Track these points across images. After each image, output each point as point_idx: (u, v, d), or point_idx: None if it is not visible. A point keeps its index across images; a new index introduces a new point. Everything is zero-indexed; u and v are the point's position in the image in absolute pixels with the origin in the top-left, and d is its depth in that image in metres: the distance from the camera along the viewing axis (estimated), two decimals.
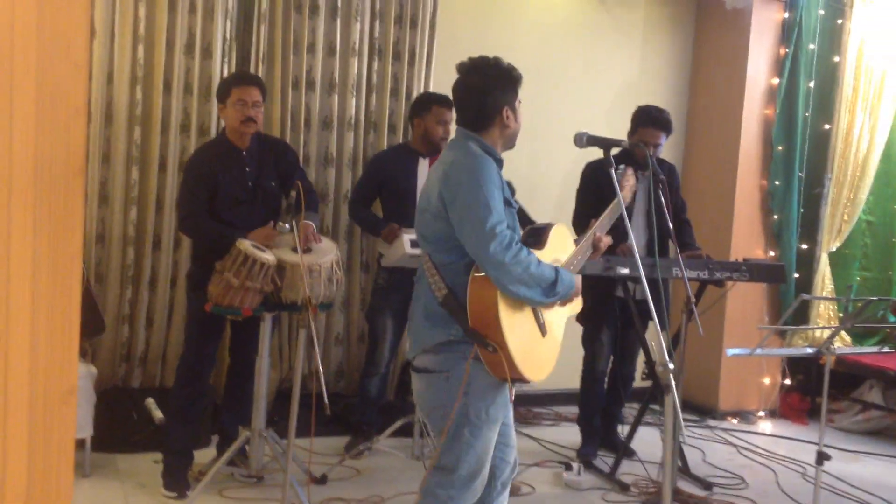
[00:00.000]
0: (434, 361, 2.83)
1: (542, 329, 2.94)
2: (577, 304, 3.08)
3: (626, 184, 3.37)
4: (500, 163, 2.90)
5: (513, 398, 2.90)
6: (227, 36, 4.98)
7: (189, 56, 4.91)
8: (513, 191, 2.96)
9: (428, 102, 4.74)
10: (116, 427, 4.58)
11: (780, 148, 6.02)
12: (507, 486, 3.13)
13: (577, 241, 3.17)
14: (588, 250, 3.15)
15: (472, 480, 2.87)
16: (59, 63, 1.95)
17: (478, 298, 2.75)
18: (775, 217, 6.09)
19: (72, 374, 2.11)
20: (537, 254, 2.83)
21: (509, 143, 2.99)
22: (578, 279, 2.94)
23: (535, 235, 2.98)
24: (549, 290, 2.79)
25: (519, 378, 2.80)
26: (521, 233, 2.98)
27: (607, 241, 3.18)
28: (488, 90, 2.89)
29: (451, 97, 4.57)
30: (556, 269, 2.82)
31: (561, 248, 3.07)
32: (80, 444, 4.20)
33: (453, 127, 4.65)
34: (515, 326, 2.78)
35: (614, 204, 3.22)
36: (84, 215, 2.06)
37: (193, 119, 4.94)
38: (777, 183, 6.04)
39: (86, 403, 4.17)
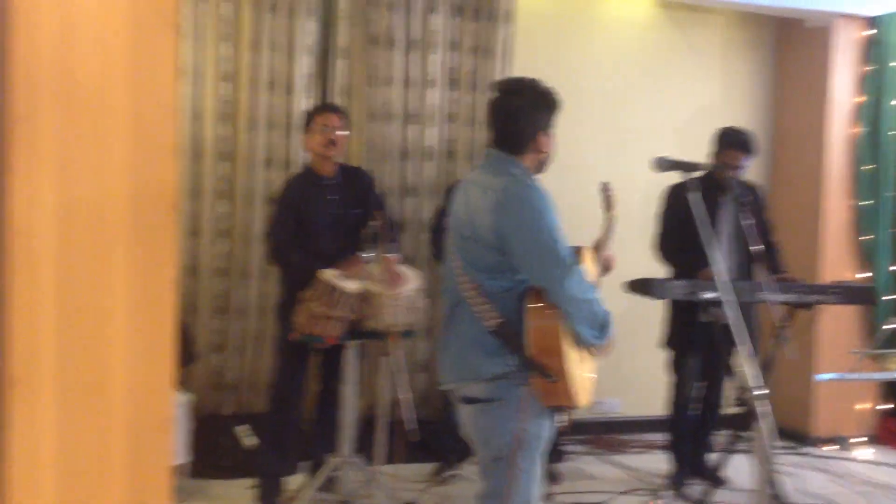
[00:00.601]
0: (487, 390, 2.79)
1: (582, 355, 2.93)
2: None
3: (611, 200, 3.34)
4: (540, 183, 2.86)
5: (570, 424, 2.88)
6: (308, 72, 5.12)
7: (272, 93, 5.05)
8: None
9: None
10: (210, 453, 4.70)
11: (867, 167, 5.87)
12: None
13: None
14: (600, 271, 3.13)
15: None
16: (151, 104, 2.05)
17: (539, 328, 2.71)
18: (865, 238, 5.92)
19: (168, 403, 2.18)
20: None
21: (540, 169, 2.92)
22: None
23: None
24: (601, 332, 2.78)
25: (572, 405, 2.79)
26: None
27: (613, 258, 3.16)
28: (524, 113, 2.83)
29: None
30: (607, 312, 2.80)
31: (589, 272, 3.05)
32: (176, 470, 4.31)
33: None
34: (570, 354, 2.77)
35: (607, 221, 3.20)
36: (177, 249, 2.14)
37: (277, 153, 5.08)
38: (865, 203, 5.88)
39: (182, 430, 4.30)
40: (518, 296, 2.77)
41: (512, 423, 2.76)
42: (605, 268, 3.16)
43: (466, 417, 2.90)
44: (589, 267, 3.03)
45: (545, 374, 2.70)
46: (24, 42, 1.88)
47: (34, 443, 2.06)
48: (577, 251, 2.98)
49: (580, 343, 2.80)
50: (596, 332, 2.76)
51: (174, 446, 4.14)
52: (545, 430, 2.86)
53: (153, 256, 2.07)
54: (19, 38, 1.87)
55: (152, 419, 2.18)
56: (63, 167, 1.95)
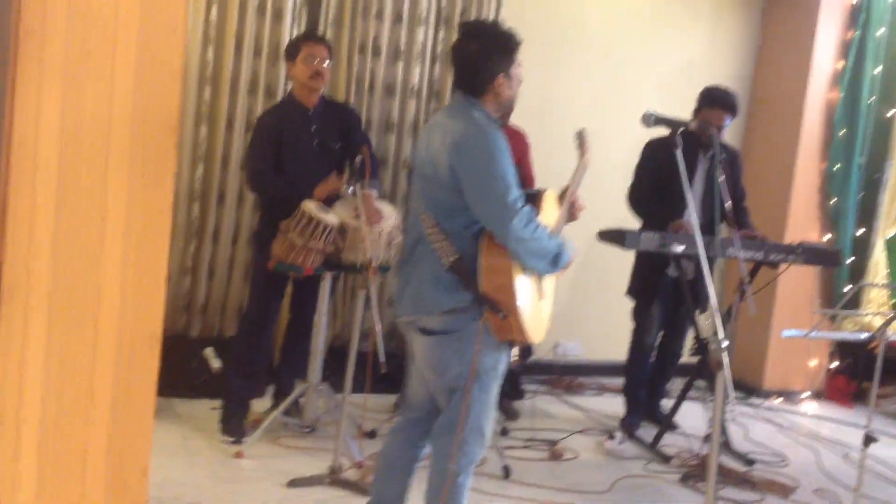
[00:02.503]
0: (443, 323, 2.90)
1: (541, 292, 3.06)
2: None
3: (586, 146, 3.40)
4: (499, 127, 2.95)
5: (520, 361, 3.02)
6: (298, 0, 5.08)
7: (260, 18, 5.01)
8: None
9: None
10: (176, 373, 4.76)
11: (841, 132, 5.98)
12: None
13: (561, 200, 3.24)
14: (566, 215, 3.21)
15: (480, 434, 2.98)
16: (158, 28, 2.07)
17: (491, 266, 2.84)
18: (833, 201, 6.07)
19: (157, 320, 2.25)
20: None
21: (504, 109, 3.03)
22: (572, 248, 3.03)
23: (531, 203, 3.00)
24: (555, 262, 2.92)
25: (524, 341, 2.92)
26: None
27: (581, 203, 3.23)
28: (483, 57, 2.91)
29: None
30: (559, 242, 2.93)
31: (550, 213, 3.16)
32: None
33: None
34: (523, 292, 2.89)
35: (579, 166, 3.27)
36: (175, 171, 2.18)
37: (262, 80, 5.06)
38: (837, 167, 6.01)
39: None
40: (474, 235, 2.89)
41: (467, 355, 2.88)
42: (572, 212, 3.24)
43: (422, 349, 3.01)
44: (549, 211, 3.13)
45: (496, 309, 2.83)
46: None
47: (24, 354, 2.11)
48: (538, 195, 3.09)
49: (537, 273, 2.96)
50: (547, 263, 2.90)
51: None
52: (500, 363, 2.99)
53: (152, 178, 2.11)
54: None
55: (141, 335, 2.24)
56: (69, 84, 1.97)
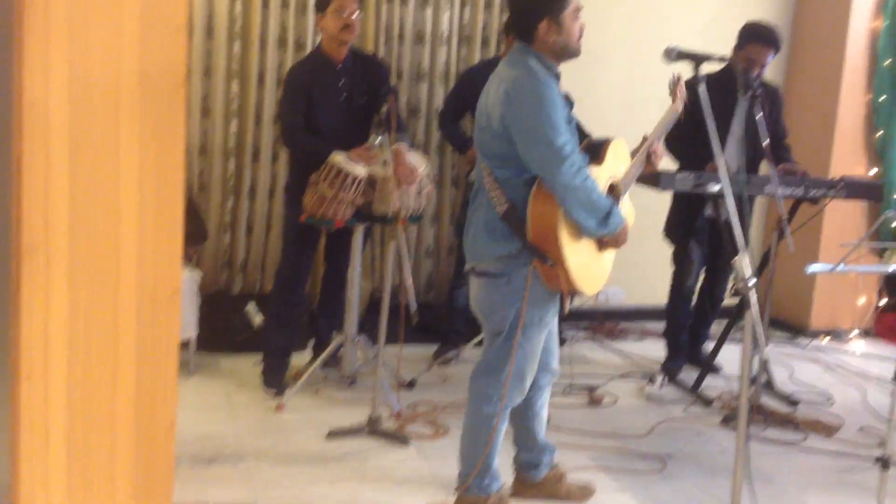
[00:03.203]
0: (495, 267, 2.94)
1: (600, 244, 3.02)
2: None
3: (679, 93, 3.30)
4: (557, 77, 2.92)
5: (567, 311, 3.01)
6: None
7: None
8: (571, 105, 2.98)
9: None
10: (219, 329, 4.84)
11: (886, 62, 5.78)
12: (549, 387, 3.31)
13: (633, 155, 3.18)
14: (643, 162, 3.16)
15: (520, 379, 3.03)
16: None
17: (539, 215, 2.84)
18: (879, 134, 5.89)
19: (176, 276, 2.27)
20: (595, 169, 2.91)
21: (562, 56, 2.92)
22: (628, 224, 2.99)
23: (594, 151, 3.00)
24: (603, 222, 2.87)
25: (574, 292, 2.93)
26: (579, 148, 2.97)
27: (661, 151, 3.17)
28: (525, 1, 2.90)
29: None
30: (612, 203, 2.89)
31: (619, 163, 3.11)
32: (185, 344, 4.46)
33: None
34: (575, 243, 2.88)
35: (667, 113, 3.17)
36: (186, 126, 2.18)
37: (290, 34, 5.04)
38: (882, 98, 5.82)
39: (191, 306, 4.42)
40: (526, 183, 2.89)
41: (514, 300, 2.92)
42: (652, 160, 3.16)
43: (474, 290, 3.08)
44: (615, 161, 3.07)
45: (543, 258, 2.85)
46: None
47: (48, 311, 2.15)
48: (603, 144, 3.04)
49: (585, 232, 2.90)
50: (596, 220, 2.86)
51: (184, 320, 4.26)
52: (548, 314, 3.01)
53: (163, 134, 2.12)
54: None
55: (161, 291, 2.27)
56: (75, 43, 1.98)
